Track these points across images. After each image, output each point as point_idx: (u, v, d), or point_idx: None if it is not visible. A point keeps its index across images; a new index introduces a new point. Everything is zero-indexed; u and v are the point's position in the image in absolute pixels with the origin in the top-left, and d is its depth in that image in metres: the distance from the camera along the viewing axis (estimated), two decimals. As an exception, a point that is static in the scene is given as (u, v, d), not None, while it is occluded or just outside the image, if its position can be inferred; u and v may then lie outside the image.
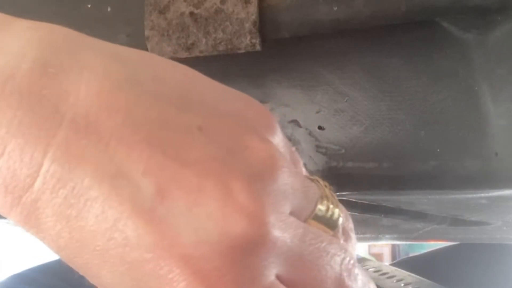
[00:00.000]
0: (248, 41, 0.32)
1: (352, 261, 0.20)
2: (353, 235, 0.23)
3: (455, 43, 0.33)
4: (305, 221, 0.19)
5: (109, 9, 0.35)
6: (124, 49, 0.18)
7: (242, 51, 0.33)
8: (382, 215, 0.46)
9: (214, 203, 0.16)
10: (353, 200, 0.40)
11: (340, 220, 0.21)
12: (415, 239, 0.67)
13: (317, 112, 0.36)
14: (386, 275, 0.66)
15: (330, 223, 0.20)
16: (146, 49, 0.33)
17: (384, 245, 2.26)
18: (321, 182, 0.21)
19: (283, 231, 0.17)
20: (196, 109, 0.18)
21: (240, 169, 0.17)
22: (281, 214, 0.17)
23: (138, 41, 0.34)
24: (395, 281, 0.63)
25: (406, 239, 0.71)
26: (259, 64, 0.36)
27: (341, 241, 0.21)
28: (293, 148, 0.23)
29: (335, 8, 0.31)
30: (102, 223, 0.16)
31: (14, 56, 0.16)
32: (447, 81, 0.33)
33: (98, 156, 0.16)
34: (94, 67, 0.17)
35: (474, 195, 0.35)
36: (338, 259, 0.19)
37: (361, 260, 0.78)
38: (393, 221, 0.51)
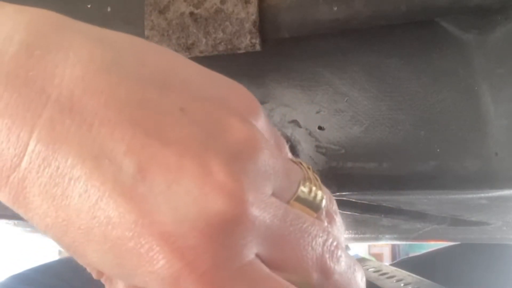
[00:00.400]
0: (248, 41, 0.32)
1: (335, 243, 0.20)
2: (337, 218, 0.23)
3: (455, 43, 0.33)
4: (287, 202, 0.19)
5: (109, 9, 0.35)
6: (110, 32, 0.19)
7: (242, 51, 0.33)
8: (382, 215, 0.46)
9: (193, 181, 0.16)
10: (353, 200, 0.40)
11: (323, 202, 0.21)
12: (415, 239, 0.67)
13: (317, 112, 0.36)
14: (386, 275, 0.66)
15: (313, 205, 0.21)
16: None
17: (384, 245, 2.26)
18: (304, 164, 0.21)
19: (262, 210, 0.17)
20: (179, 92, 0.18)
21: (220, 149, 0.17)
22: (261, 194, 0.18)
23: (138, 41, 0.34)
24: (395, 281, 0.63)
25: (406, 239, 0.71)
26: (259, 64, 0.36)
27: (325, 223, 0.21)
28: (278, 132, 0.23)
29: (335, 8, 0.31)
30: (85, 201, 0.16)
31: (1, 40, 0.17)
32: (447, 81, 0.33)
33: (82, 136, 0.16)
34: (80, 50, 0.17)
35: (474, 195, 0.35)
36: (320, 240, 0.20)
37: (361, 260, 0.78)
38: (393, 221, 0.51)
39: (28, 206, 0.17)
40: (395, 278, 0.63)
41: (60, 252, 1.99)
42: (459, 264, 0.83)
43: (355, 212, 0.44)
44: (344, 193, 0.37)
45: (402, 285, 0.61)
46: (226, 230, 0.16)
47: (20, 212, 0.18)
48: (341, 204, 0.42)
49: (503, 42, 0.32)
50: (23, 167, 0.16)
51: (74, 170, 0.16)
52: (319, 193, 0.21)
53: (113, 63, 0.17)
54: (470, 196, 0.36)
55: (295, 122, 0.36)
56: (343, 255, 0.21)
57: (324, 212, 0.21)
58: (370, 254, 2.26)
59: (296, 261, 0.19)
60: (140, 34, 0.33)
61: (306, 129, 0.36)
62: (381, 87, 0.34)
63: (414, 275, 0.63)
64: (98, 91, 0.16)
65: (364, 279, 0.23)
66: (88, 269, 0.20)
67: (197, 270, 0.16)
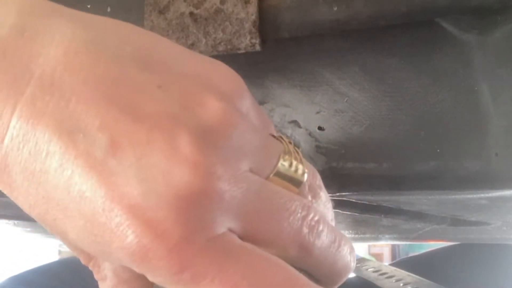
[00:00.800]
0: (248, 41, 0.32)
1: (316, 218, 0.20)
2: (322, 193, 0.23)
3: (455, 44, 0.33)
4: (267, 177, 0.19)
5: (109, 9, 0.35)
6: (95, 16, 0.20)
7: (242, 51, 0.33)
8: (382, 215, 0.46)
9: (161, 154, 0.16)
10: (353, 200, 0.40)
11: (305, 177, 0.21)
12: (415, 239, 0.67)
13: (317, 113, 0.36)
14: (386, 275, 0.66)
15: (294, 180, 0.20)
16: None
17: (384, 245, 2.26)
18: (286, 139, 0.21)
19: (233, 185, 0.17)
20: (158, 70, 0.18)
21: (191, 124, 0.17)
22: (233, 169, 0.18)
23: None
24: (394, 281, 0.63)
25: (406, 239, 0.71)
26: (259, 65, 0.36)
27: (307, 199, 0.21)
28: (263, 112, 0.23)
29: (335, 9, 0.31)
30: (61, 176, 0.16)
31: None
32: (447, 82, 0.33)
33: (59, 112, 0.17)
34: (65, 31, 0.18)
35: (474, 196, 0.35)
36: (298, 215, 0.19)
37: (361, 260, 0.78)
38: (393, 221, 0.51)
39: (12, 185, 0.18)
40: (394, 278, 0.63)
41: (60, 253, 1.99)
42: (459, 264, 0.83)
43: (355, 212, 0.44)
44: (344, 193, 0.37)
45: (401, 285, 0.61)
46: (194, 202, 0.16)
47: (6, 192, 0.18)
48: (341, 204, 0.42)
49: (503, 42, 0.32)
50: (5, 144, 0.17)
51: (51, 144, 0.16)
52: (300, 167, 0.21)
53: (95, 43, 0.18)
54: (470, 196, 0.36)
55: (295, 123, 0.36)
56: (325, 230, 0.20)
57: (307, 187, 0.21)
58: (370, 254, 2.26)
59: (272, 236, 0.19)
60: (140, 34, 0.33)
61: (306, 129, 0.36)
62: (381, 87, 0.34)
63: (413, 275, 0.63)
64: (78, 68, 0.17)
65: (354, 254, 0.23)
66: (76, 254, 0.20)
67: (166, 243, 0.16)
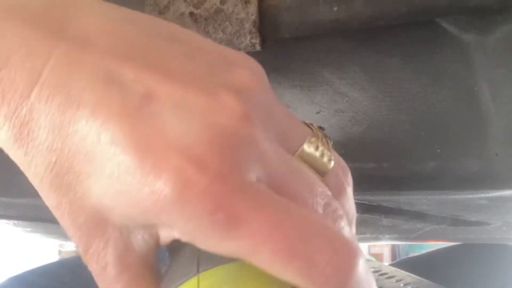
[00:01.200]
0: (248, 41, 0.32)
1: (340, 212, 0.19)
2: (350, 190, 0.22)
3: (455, 44, 0.33)
4: (292, 154, 0.19)
5: (109, 9, 0.35)
6: (121, 7, 0.20)
7: (242, 51, 0.33)
8: (382, 215, 0.46)
9: (201, 99, 0.17)
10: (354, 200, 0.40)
11: (331, 164, 0.20)
12: (415, 239, 0.67)
13: (317, 113, 0.36)
14: (386, 275, 0.66)
15: (319, 165, 0.20)
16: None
17: (384, 245, 2.26)
18: (315, 125, 0.21)
19: (267, 140, 0.18)
20: (184, 43, 0.19)
21: (225, 84, 0.17)
22: (266, 127, 0.18)
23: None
24: (394, 281, 0.63)
25: (406, 239, 0.71)
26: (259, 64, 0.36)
27: (329, 192, 0.20)
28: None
29: (335, 9, 0.31)
30: (92, 125, 0.16)
31: None
32: (447, 82, 0.33)
33: (94, 65, 0.17)
34: (97, 7, 0.19)
35: (474, 196, 0.35)
36: (321, 201, 0.19)
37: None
38: (393, 221, 0.51)
39: (31, 142, 0.17)
40: (394, 278, 0.63)
41: (60, 253, 1.99)
42: (459, 265, 0.83)
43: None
44: (344, 193, 0.37)
45: (401, 285, 0.61)
46: (233, 143, 0.16)
47: (20, 153, 0.18)
48: (341, 204, 0.41)
49: (503, 42, 0.32)
50: (33, 96, 0.17)
51: (85, 93, 0.16)
52: (327, 153, 0.20)
53: (125, 18, 0.19)
54: (470, 196, 0.36)
55: (295, 122, 0.36)
56: (346, 229, 0.20)
57: (333, 179, 0.21)
58: (370, 254, 2.26)
59: (300, 196, 0.18)
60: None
61: (306, 129, 0.36)
62: (381, 87, 0.34)
63: (413, 275, 0.63)
64: (111, 33, 0.18)
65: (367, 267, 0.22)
66: (79, 234, 0.19)
67: (205, 175, 0.16)
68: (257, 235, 0.16)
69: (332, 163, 0.21)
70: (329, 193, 0.19)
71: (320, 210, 0.19)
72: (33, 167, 0.18)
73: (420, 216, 0.47)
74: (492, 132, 0.32)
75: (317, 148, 0.20)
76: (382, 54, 0.34)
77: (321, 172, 0.20)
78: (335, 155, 0.21)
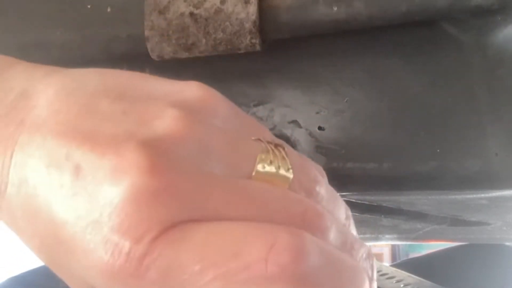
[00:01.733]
0: (248, 42, 0.32)
1: (316, 212, 0.19)
2: (320, 189, 0.22)
3: (455, 44, 0.33)
4: (248, 174, 0.19)
5: (109, 9, 0.35)
6: (83, 70, 0.22)
7: (242, 51, 0.33)
8: (382, 215, 0.46)
9: (109, 165, 0.17)
10: (354, 200, 0.40)
11: (291, 173, 0.20)
12: (415, 239, 0.67)
13: (317, 113, 0.36)
14: (386, 276, 0.66)
15: (279, 178, 0.20)
16: (146, 50, 0.33)
17: (384, 245, 2.26)
18: (264, 140, 0.21)
19: (186, 180, 0.18)
20: (128, 98, 0.20)
21: (142, 135, 0.18)
22: (188, 170, 0.18)
23: (137, 42, 0.34)
24: (394, 281, 0.63)
25: (406, 239, 0.71)
26: (259, 65, 0.36)
27: (297, 194, 0.20)
28: (250, 119, 0.23)
29: (335, 9, 0.31)
30: (46, 208, 0.18)
31: (9, 90, 0.21)
32: (447, 82, 0.33)
33: (40, 150, 0.18)
34: (56, 85, 0.20)
35: (474, 196, 0.35)
36: (288, 205, 0.19)
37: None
38: (393, 221, 0.51)
39: (20, 231, 0.19)
40: (395, 279, 0.63)
41: (60, 253, 1.98)
42: (459, 266, 0.83)
43: (355, 212, 0.44)
44: (344, 193, 0.37)
45: (402, 285, 0.61)
46: (139, 202, 0.17)
47: (21, 238, 0.20)
48: (341, 205, 0.41)
49: (502, 42, 0.32)
50: (8, 192, 0.19)
51: (37, 180, 0.18)
52: (283, 164, 0.20)
53: (76, 89, 0.20)
54: (470, 196, 0.36)
55: (295, 123, 0.36)
56: (333, 228, 0.20)
57: (297, 185, 0.21)
58: (370, 254, 2.26)
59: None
60: (140, 34, 0.33)
61: (306, 129, 0.36)
62: (381, 87, 0.34)
63: (414, 276, 0.63)
64: (57, 112, 0.19)
65: (372, 261, 0.22)
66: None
67: (123, 251, 0.16)
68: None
69: (291, 172, 0.20)
70: (296, 195, 0.20)
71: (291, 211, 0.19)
72: (31, 249, 0.20)
73: (420, 216, 0.47)
74: (492, 132, 0.32)
75: (270, 163, 0.20)
76: (382, 55, 0.34)
77: (282, 182, 0.20)
78: (292, 157, 0.21)
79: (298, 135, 0.36)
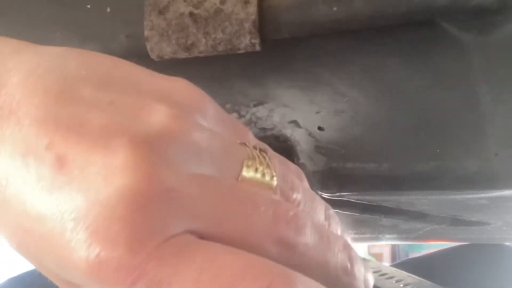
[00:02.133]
0: (248, 42, 0.32)
1: (291, 213, 0.19)
2: (297, 195, 0.22)
3: (455, 44, 0.33)
4: (236, 177, 0.19)
5: (108, 9, 0.35)
6: (60, 47, 0.20)
7: (242, 51, 0.33)
8: (382, 216, 0.46)
9: (100, 162, 0.16)
10: (353, 200, 0.40)
11: (275, 181, 0.20)
12: (415, 239, 0.67)
13: (317, 113, 0.36)
14: (386, 276, 0.66)
15: (262, 185, 0.20)
16: (146, 50, 0.33)
17: (384, 245, 2.26)
18: (250, 145, 0.21)
19: (182, 185, 0.17)
20: (113, 88, 0.18)
21: (134, 131, 0.17)
22: (181, 171, 0.17)
23: (137, 42, 0.34)
24: (394, 281, 0.63)
25: (406, 239, 0.71)
26: (259, 65, 0.36)
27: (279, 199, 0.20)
28: (235, 122, 0.23)
29: (335, 9, 0.31)
30: (20, 202, 0.17)
31: None
32: (446, 82, 0.33)
33: (14, 137, 0.17)
34: (30, 62, 0.18)
35: (474, 196, 0.35)
36: (268, 209, 0.19)
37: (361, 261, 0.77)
38: (393, 221, 0.51)
39: None
40: (394, 279, 0.63)
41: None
42: (458, 266, 0.83)
43: (355, 212, 0.44)
44: (344, 193, 0.37)
45: (401, 285, 0.61)
46: (136, 207, 0.16)
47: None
48: (341, 204, 0.42)
49: (503, 42, 0.32)
50: None
51: (8, 170, 0.17)
52: (267, 172, 0.20)
53: (54, 69, 0.18)
54: (470, 196, 0.36)
55: (295, 123, 0.36)
56: (308, 226, 0.20)
57: (278, 193, 0.21)
58: (370, 254, 2.26)
59: (241, 233, 0.18)
60: (140, 34, 0.33)
61: (306, 129, 0.36)
62: (381, 87, 0.34)
63: (414, 276, 0.63)
64: (33, 93, 0.17)
65: (350, 253, 0.22)
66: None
67: (114, 255, 0.15)
68: None
69: (275, 179, 0.20)
70: (275, 197, 0.20)
71: (271, 217, 0.19)
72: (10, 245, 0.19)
73: (420, 216, 0.47)
74: (491, 132, 0.32)
75: (256, 170, 0.20)
76: (382, 54, 0.34)
77: (266, 189, 0.20)
78: (275, 163, 0.21)
79: (298, 135, 0.36)
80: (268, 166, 0.20)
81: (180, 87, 0.20)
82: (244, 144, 0.21)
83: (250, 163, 0.20)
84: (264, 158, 0.21)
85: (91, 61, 0.19)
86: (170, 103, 0.18)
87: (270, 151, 0.22)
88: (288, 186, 0.22)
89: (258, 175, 0.20)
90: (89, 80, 0.18)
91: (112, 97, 0.18)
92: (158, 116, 0.18)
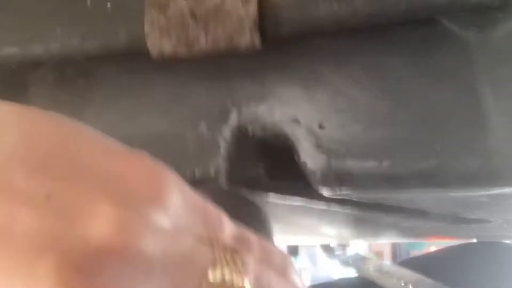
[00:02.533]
0: (248, 39, 0.32)
1: None
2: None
3: (456, 42, 0.33)
4: None
5: (108, 5, 0.35)
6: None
7: (242, 49, 0.33)
8: (383, 214, 0.46)
9: (21, 284, 0.14)
10: (354, 198, 0.40)
11: (246, 283, 0.18)
12: (415, 237, 0.67)
13: (318, 111, 0.35)
14: (387, 274, 0.66)
15: None
16: (146, 47, 0.33)
17: (384, 243, 2.26)
18: (220, 244, 0.19)
19: None
20: (54, 174, 0.15)
21: (66, 246, 0.14)
22: None
23: (137, 39, 0.34)
24: (395, 279, 0.63)
25: (407, 237, 0.71)
26: (259, 63, 0.36)
27: None
28: (207, 208, 0.20)
29: (335, 7, 0.31)
30: None
31: None
32: (447, 80, 0.33)
33: None
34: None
35: (475, 193, 0.35)
36: None
37: (362, 259, 0.78)
38: (394, 219, 0.51)
39: None
40: (395, 277, 0.63)
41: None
42: (458, 265, 0.83)
43: (355, 211, 0.44)
44: (344, 192, 0.37)
45: (402, 283, 0.61)
46: None
47: None
48: (342, 203, 0.41)
49: (504, 40, 0.32)
50: None
51: None
52: (236, 279, 0.18)
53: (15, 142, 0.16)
54: (470, 194, 0.36)
55: (295, 121, 0.36)
56: None
57: None
58: (370, 252, 2.26)
59: None
60: (140, 31, 0.33)
61: (307, 127, 0.36)
62: (381, 85, 0.34)
63: (414, 274, 0.63)
64: None
65: None
66: None
67: None
68: None
69: (247, 283, 0.18)
70: None
71: None
72: None
73: (420, 214, 0.47)
74: (493, 130, 0.32)
75: (222, 279, 0.18)
76: (382, 52, 0.34)
77: None
78: (249, 262, 0.19)
79: (298, 133, 0.36)
80: (239, 271, 0.18)
81: (137, 170, 0.17)
82: (212, 244, 0.18)
83: (215, 271, 0.18)
84: (235, 261, 0.18)
85: (33, 134, 0.16)
86: (119, 198, 0.16)
87: (248, 243, 0.20)
88: (265, 285, 0.20)
89: (225, 284, 0.18)
90: (26, 163, 0.15)
91: (50, 188, 0.15)
92: (98, 226, 0.15)
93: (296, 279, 0.23)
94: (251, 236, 0.21)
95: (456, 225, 0.53)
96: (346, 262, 0.87)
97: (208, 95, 0.37)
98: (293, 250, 2.02)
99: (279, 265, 0.22)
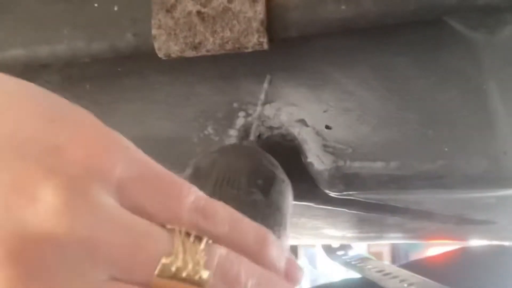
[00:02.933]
0: (256, 40, 0.32)
1: None
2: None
3: (464, 42, 0.33)
4: (146, 282, 0.15)
5: (116, 8, 0.35)
6: None
7: (249, 50, 0.33)
8: (388, 214, 0.45)
9: None
10: (360, 199, 0.40)
11: (206, 275, 0.16)
12: (419, 238, 0.67)
13: (325, 111, 0.35)
14: (389, 275, 0.66)
15: (192, 281, 0.16)
16: (153, 48, 0.33)
17: (383, 244, 2.26)
18: (177, 230, 0.16)
19: None
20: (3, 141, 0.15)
21: (7, 234, 0.14)
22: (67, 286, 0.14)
23: (145, 40, 0.34)
24: (398, 281, 0.63)
25: (410, 238, 0.71)
26: (267, 63, 0.36)
27: None
28: (172, 180, 0.17)
29: (343, 7, 0.31)
30: None
31: None
32: (455, 80, 0.33)
33: None
34: None
35: (482, 194, 0.35)
36: None
37: (364, 260, 0.77)
38: (399, 220, 0.51)
39: None
40: (398, 279, 0.63)
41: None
42: (458, 268, 0.83)
43: (361, 211, 0.44)
44: (351, 192, 0.37)
45: (405, 285, 0.61)
46: None
47: None
48: (348, 203, 0.41)
49: (511, 40, 0.32)
50: None
51: None
52: (196, 269, 0.16)
53: None
54: (477, 195, 0.36)
55: (302, 121, 0.36)
56: None
57: (218, 286, 0.17)
58: (369, 252, 2.26)
59: None
60: (147, 33, 0.33)
61: (314, 128, 0.36)
62: (388, 86, 0.34)
63: (417, 276, 0.63)
64: None
65: None
66: None
67: None
68: None
69: (207, 274, 0.16)
70: None
71: None
72: None
73: (426, 215, 0.47)
74: (500, 131, 0.32)
75: (177, 269, 0.16)
76: (390, 53, 0.34)
77: (197, 285, 0.16)
78: (214, 250, 0.17)
79: (305, 133, 0.36)
80: (197, 262, 0.16)
81: (80, 138, 0.15)
82: (168, 227, 0.16)
83: (169, 260, 0.16)
84: (195, 248, 0.16)
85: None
86: (57, 177, 0.14)
87: (215, 218, 0.17)
88: (230, 280, 0.17)
89: (181, 275, 0.16)
90: None
91: None
92: (36, 211, 0.14)
93: (275, 259, 0.19)
94: (220, 209, 0.18)
95: (461, 226, 0.53)
96: (347, 263, 0.86)
97: (215, 96, 0.37)
98: (292, 250, 2.02)
99: (253, 245, 0.19)
